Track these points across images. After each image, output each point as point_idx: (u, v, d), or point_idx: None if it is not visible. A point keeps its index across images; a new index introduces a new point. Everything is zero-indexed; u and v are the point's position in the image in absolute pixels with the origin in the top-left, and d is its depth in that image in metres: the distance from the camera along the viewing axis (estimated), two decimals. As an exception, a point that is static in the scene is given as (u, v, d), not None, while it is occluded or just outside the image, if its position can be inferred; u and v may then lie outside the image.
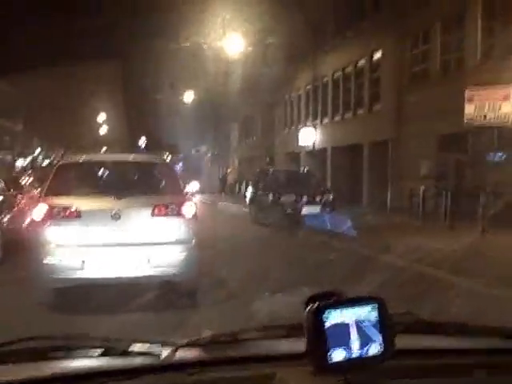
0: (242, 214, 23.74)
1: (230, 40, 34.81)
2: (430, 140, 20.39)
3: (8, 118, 57.84)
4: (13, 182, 15.20)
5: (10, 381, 1.57)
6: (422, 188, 17.87)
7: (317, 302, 1.52)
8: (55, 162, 40.43)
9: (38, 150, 64.38)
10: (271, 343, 1.82)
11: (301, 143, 32.64)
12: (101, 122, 76.22)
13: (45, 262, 7.14)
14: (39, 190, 17.67)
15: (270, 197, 18.32)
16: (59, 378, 1.60)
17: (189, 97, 54.11)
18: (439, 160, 20.31)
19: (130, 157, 9.40)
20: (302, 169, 23.30)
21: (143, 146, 76.00)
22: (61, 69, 57.29)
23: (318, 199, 17.70)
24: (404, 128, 22.48)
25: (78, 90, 67.99)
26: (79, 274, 7.14)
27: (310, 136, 32.23)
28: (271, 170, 22.07)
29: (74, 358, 1.75)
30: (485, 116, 15.90)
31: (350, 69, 28.30)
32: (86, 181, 8.44)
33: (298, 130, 35.45)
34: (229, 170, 55.02)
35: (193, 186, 29.40)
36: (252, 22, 33.86)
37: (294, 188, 18.27)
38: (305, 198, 17.51)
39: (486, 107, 15.79)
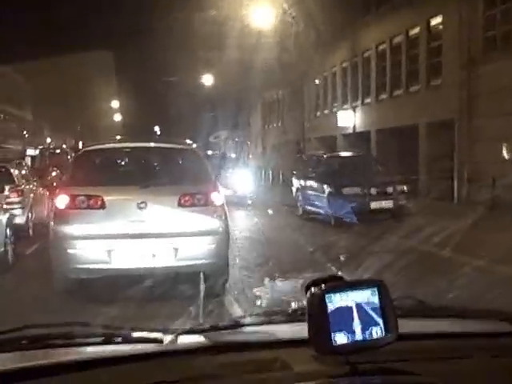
0: (282, 208, 20.50)
1: (253, 13, 31.19)
2: (515, 118, 16.89)
3: (17, 107, 55.47)
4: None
5: (10, 369, 1.55)
6: None
7: (320, 286, 1.51)
8: (67, 150, 37.58)
9: (49, 139, 61.63)
10: (273, 328, 1.80)
11: (340, 124, 29.26)
12: (113, 109, 73.28)
13: (69, 251, 7.02)
14: (36, 183, 14.73)
15: (328, 188, 14.96)
16: (60, 365, 1.59)
17: (208, 80, 50.37)
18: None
19: (155, 143, 8.87)
20: (361, 153, 19.54)
21: (158, 132, 73.44)
22: (71, 55, 54.63)
23: (389, 190, 14.29)
24: (475, 105, 19.02)
25: (89, 77, 65.29)
26: (105, 265, 7.02)
27: (349, 118, 28.94)
28: (325, 155, 18.56)
29: (75, 345, 1.73)
30: None
31: (399, 39, 24.75)
32: (109, 169, 8.22)
33: (332, 112, 32.16)
34: (250, 157, 51.60)
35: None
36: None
37: (358, 177, 14.88)
38: (373, 190, 14.13)
39: None
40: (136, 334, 1.71)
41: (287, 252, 10.48)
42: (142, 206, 7.06)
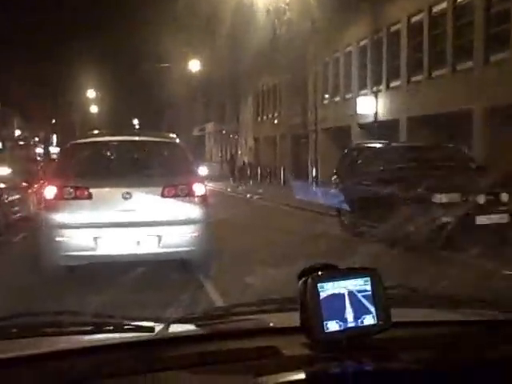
0: (307, 215, 16.24)
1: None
2: None
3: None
4: None
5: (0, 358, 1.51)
6: None
7: (312, 274, 1.50)
8: (36, 143, 32.92)
9: (18, 131, 56.59)
10: (265, 317, 1.77)
11: (359, 112, 24.95)
12: (90, 99, 68.32)
13: (58, 239, 7.31)
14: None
15: (401, 193, 10.52)
16: (51, 353, 1.56)
17: (194, 66, 45.48)
18: None
19: (140, 137, 9.18)
20: (446, 144, 14.82)
21: (137, 126, 69.16)
22: (43, 41, 49.96)
23: (504, 199, 9.86)
24: None
25: (64, 66, 60.45)
26: (91, 252, 7.32)
27: (370, 105, 24.64)
28: (389, 145, 14.03)
29: (65, 334, 1.71)
30: None
31: (442, 7, 20.36)
32: (96, 161, 8.36)
33: (345, 99, 27.88)
34: (239, 152, 46.98)
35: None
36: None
37: (454, 179, 10.41)
38: (480, 198, 9.70)
39: None
40: (127, 323, 1.67)
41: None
42: (127, 196, 7.38)
